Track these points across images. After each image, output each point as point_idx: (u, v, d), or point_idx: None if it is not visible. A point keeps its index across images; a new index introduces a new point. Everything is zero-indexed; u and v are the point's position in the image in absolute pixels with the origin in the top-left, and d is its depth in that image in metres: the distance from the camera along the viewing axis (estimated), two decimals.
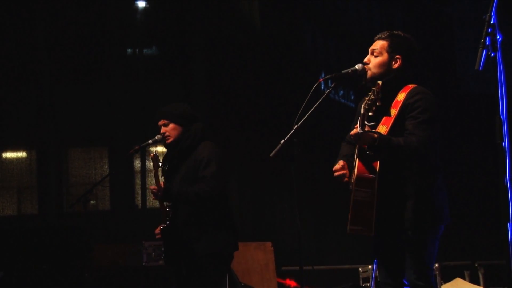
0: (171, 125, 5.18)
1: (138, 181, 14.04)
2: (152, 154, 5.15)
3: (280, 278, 10.12)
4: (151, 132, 5.33)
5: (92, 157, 14.18)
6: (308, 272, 6.65)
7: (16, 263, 7.48)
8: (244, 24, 14.21)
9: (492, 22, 3.36)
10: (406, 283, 4.09)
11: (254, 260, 8.70)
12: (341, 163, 4.15)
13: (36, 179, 13.97)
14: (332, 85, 4.29)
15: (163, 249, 5.22)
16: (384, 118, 4.04)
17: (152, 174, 5.27)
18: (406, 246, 4.04)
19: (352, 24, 15.04)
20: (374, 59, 4.16)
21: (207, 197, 4.97)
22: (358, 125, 3.83)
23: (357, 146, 4.02)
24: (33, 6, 13.37)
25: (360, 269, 7.94)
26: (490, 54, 3.36)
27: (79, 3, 13.49)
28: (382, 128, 4.00)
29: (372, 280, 6.96)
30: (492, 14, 3.38)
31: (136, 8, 14.16)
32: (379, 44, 4.17)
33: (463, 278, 7.96)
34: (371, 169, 3.96)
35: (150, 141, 5.25)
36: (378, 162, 3.97)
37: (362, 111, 3.85)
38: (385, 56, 4.15)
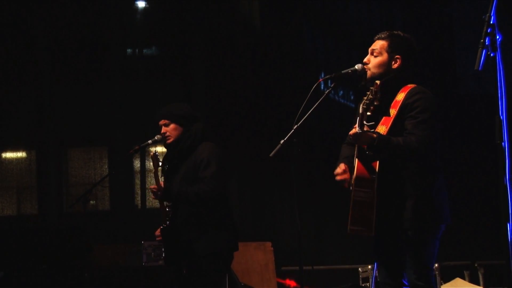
0: (172, 125, 5.17)
1: (137, 181, 14.05)
2: (152, 153, 5.15)
3: (280, 278, 10.12)
4: (151, 132, 5.33)
5: (91, 157, 14.19)
6: (308, 272, 6.64)
7: (16, 263, 7.48)
8: (244, 24, 14.21)
9: (491, 22, 3.37)
10: (406, 283, 4.09)
11: (254, 260, 8.70)
12: (342, 167, 4.13)
13: (36, 179, 13.98)
14: (332, 85, 4.29)
15: (163, 249, 5.21)
16: (384, 118, 4.04)
17: (152, 174, 5.28)
18: (406, 246, 4.04)
19: (352, 24, 15.04)
20: (374, 59, 4.16)
21: (207, 198, 4.97)
22: (356, 125, 3.83)
23: (356, 146, 4.02)
24: (33, 6, 13.37)
25: (359, 269, 7.95)
26: (490, 54, 3.36)
27: (79, 3, 13.49)
28: (382, 128, 4.00)
29: (373, 281, 6.96)
30: (492, 14, 3.38)
31: (136, 8, 14.17)
32: (379, 44, 4.17)
33: (463, 278, 7.97)
34: (371, 169, 3.95)
35: (149, 141, 5.25)
36: (378, 162, 3.97)
37: (360, 111, 3.85)
38: (384, 56, 4.15)
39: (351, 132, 3.88)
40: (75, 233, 7.70)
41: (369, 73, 4.14)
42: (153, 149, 5.39)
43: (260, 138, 12.19)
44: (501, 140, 3.38)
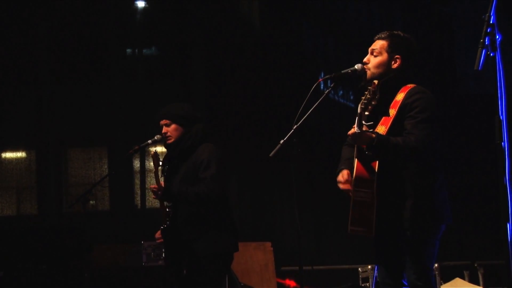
0: (173, 126, 5.16)
1: (137, 181, 14.05)
2: (152, 152, 5.14)
3: (280, 278, 10.12)
4: (151, 132, 5.32)
5: (91, 157, 14.19)
6: (307, 272, 6.64)
7: (16, 263, 7.48)
8: (244, 24, 14.21)
9: (491, 22, 3.36)
10: (406, 283, 4.08)
11: (254, 260, 8.70)
12: (345, 176, 4.10)
13: (36, 179, 13.99)
14: (332, 85, 4.28)
15: (163, 249, 5.21)
16: (383, 118, 4.03)
17: (152, 174, 5.28)
18: (405, 246, 4.03)
19: (352, 24, 15.05)
20: (374, 59, 4.16)
21: (206, 199, 4.96)
22: (355, 125, 3.82)
23: (355, 147, 4.01)
24: (33, 6, 13.38)
25: (359, 269, 7.95)
26: (490, 54, 3.36)
27: (79, 3, 13.49)
28: (381, 128, 3.99)
29: (373, 281, 6.96)
30: (492, 14, 3.37)
31: (135, 8, 14.17)
32: (378, 44, 4.17)
33: (463, 278, 7.96)
34: (370, 169, 3.95)
35: (149, 141, 5.25)
36: (377, 162, 3.96)
37: (358, 111, 3.85)
38: (384, 56, 4.14)
39: (349, 132, 3.87)
40: (75, 233, 7.70)
41: (369, 73, 4.14)
42: (153, 149, 5.39)
43: (260, 138, 12.19)
44: (501, 140, 3.38)
